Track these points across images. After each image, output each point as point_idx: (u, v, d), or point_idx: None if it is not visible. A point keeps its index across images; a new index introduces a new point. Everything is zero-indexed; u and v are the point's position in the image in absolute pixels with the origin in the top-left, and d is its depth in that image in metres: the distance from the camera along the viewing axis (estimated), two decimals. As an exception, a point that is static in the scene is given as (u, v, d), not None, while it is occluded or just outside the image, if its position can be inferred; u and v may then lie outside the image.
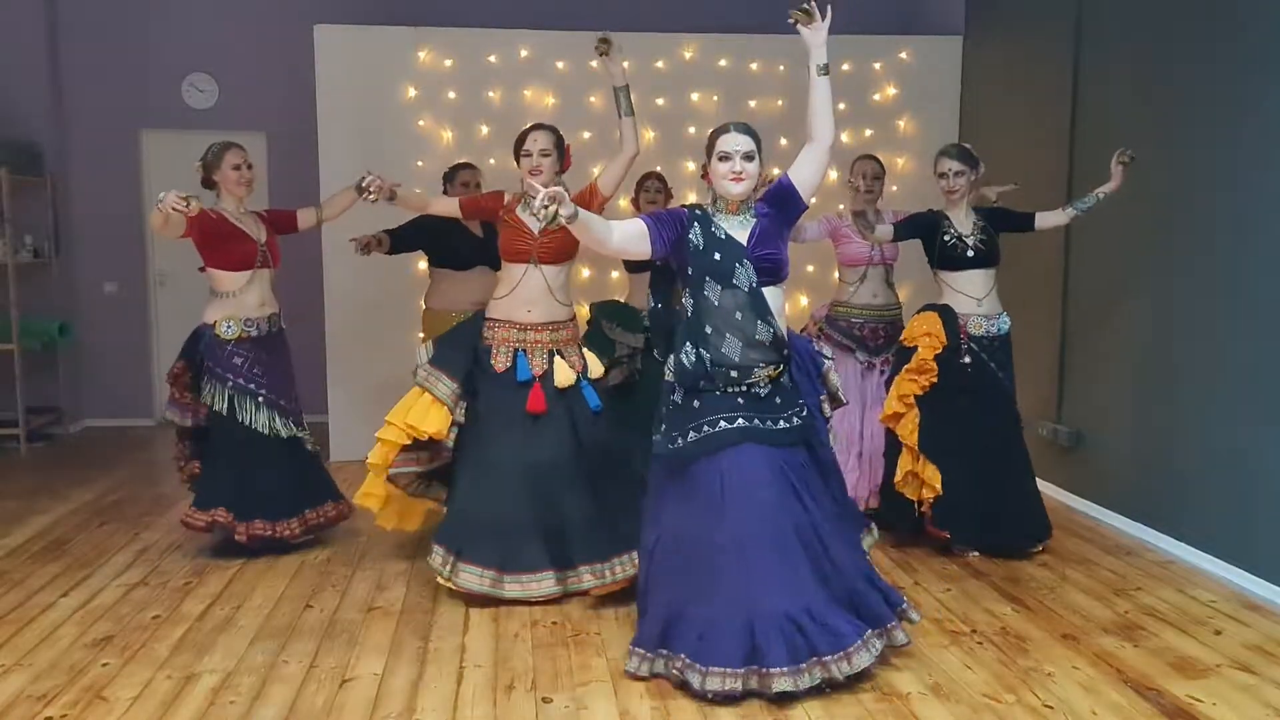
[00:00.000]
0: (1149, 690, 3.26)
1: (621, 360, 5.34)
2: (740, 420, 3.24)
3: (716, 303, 3.27)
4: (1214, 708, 3.14)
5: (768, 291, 3.30)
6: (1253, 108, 4.19)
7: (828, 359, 3.53)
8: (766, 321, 3.27)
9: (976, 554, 4.52)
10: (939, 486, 4.39)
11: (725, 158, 3.33)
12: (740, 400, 3.26)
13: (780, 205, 3.39)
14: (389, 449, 4.06)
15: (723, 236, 3.31)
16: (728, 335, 3.25)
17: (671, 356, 3.38)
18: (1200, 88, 4.49)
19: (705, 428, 3.25)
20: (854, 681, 3.23)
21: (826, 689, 3.15)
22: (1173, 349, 4.65)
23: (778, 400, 3.30)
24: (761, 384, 3.28)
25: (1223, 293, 4.35)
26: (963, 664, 3.45)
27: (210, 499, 4.47)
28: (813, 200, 3.49)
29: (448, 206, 4.21)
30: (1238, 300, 4.27)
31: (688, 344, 3.30)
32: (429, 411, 4.01)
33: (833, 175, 6.53)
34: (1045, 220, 4.66)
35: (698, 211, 3.38)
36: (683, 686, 3.19)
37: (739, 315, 3.26)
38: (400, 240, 5.13)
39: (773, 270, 3.31)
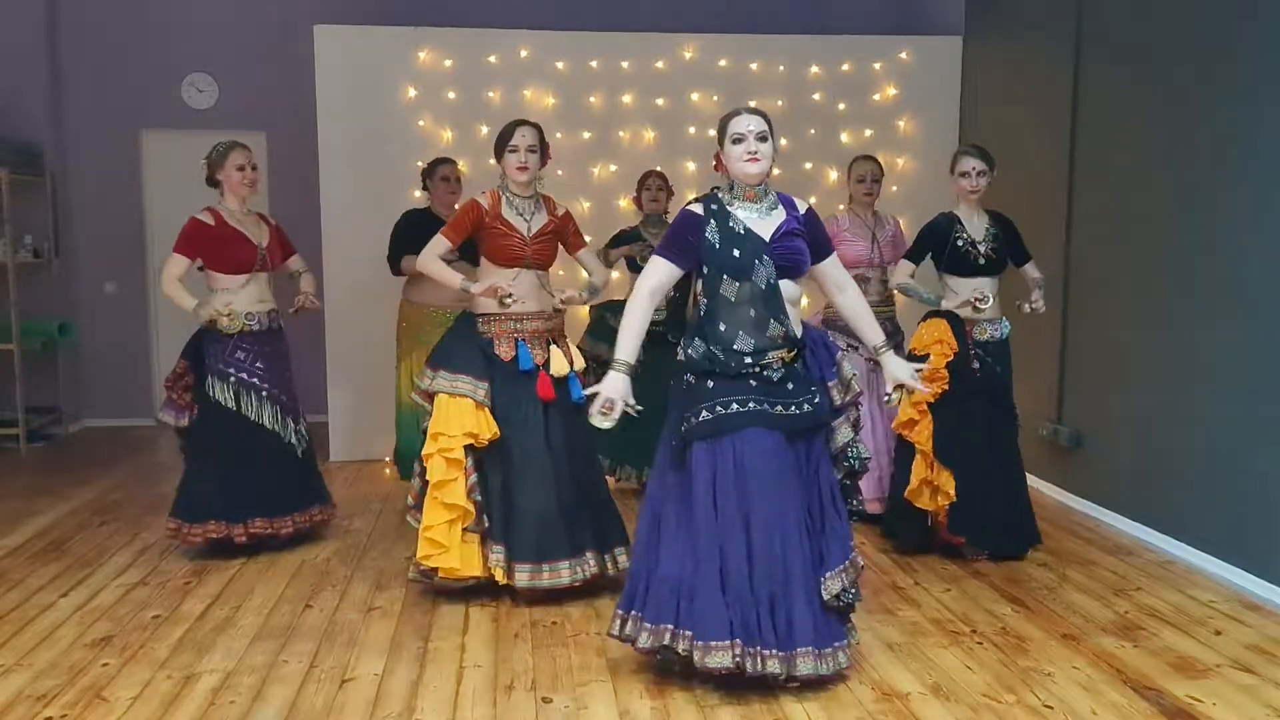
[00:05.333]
0: (1149, 690, 3.26)
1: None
2: (751, 404, 3.23)
3: (733, 299, 3.25)
4: (1214, 708, 3.14)
5: (784, 284, 3.29)
6: (1254, 107, 4.19)
7: (840, 348, 3.53)
8: (779, 320, 3.26)
9: (987, 555, 4.50)
10: (953, 493, 4.38)
11: (739, 140, 3.29)
12: (753, 383, 3.25)
13: (811, 234, 3.38)
14: (447, 461, 3.94)
15: (741, 231, 3.28)
16: (740, 332, 3.24)
17: (683, 341, 3.36)
18: (1201, 87, 4.49)
19: (718, 408, 3.24)
20: (848, 682, 3.26)
21: (791, 683, 3.18)
22: (1173, 349, 4.65)
23: (790, 386, 3.29)
24: (775, 367, 3.27)
25: (1223, 293, 4.35)
26: (963, 664, 3.45)
27: (199, 511, 4.46)
28: (812, 199, 3.49)
29: (441, 248, 4.07)
30: (1238, 300, 4.26)
31: (697, 339, 3.30)
32: (479, 416, 3.95)
33: (832, 176, 6.55)
34: (1031, 270, 4.68)
35: (712, 206, 3.32)
36: (673, 656, 3.23)
37: (753, 312, 3.25)
38: (400, 246, 5.21)
39: (793, 267, 3.30)
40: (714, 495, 3.24)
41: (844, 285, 3.50)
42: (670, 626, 3.21)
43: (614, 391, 3.23)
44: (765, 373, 3.26)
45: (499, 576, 3.93)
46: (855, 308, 3.51)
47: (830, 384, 3.39)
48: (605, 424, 3.26)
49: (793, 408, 3.28)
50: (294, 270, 4.85)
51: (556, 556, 3.96)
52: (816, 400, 3.33)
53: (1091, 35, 5.29)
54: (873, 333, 3.51)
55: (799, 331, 3.34)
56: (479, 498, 3.97)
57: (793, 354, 3.31)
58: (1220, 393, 4.35)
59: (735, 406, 3.23)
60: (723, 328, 3.25)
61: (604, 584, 4.07)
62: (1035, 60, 5.81)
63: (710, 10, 7.22)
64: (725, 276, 3.26)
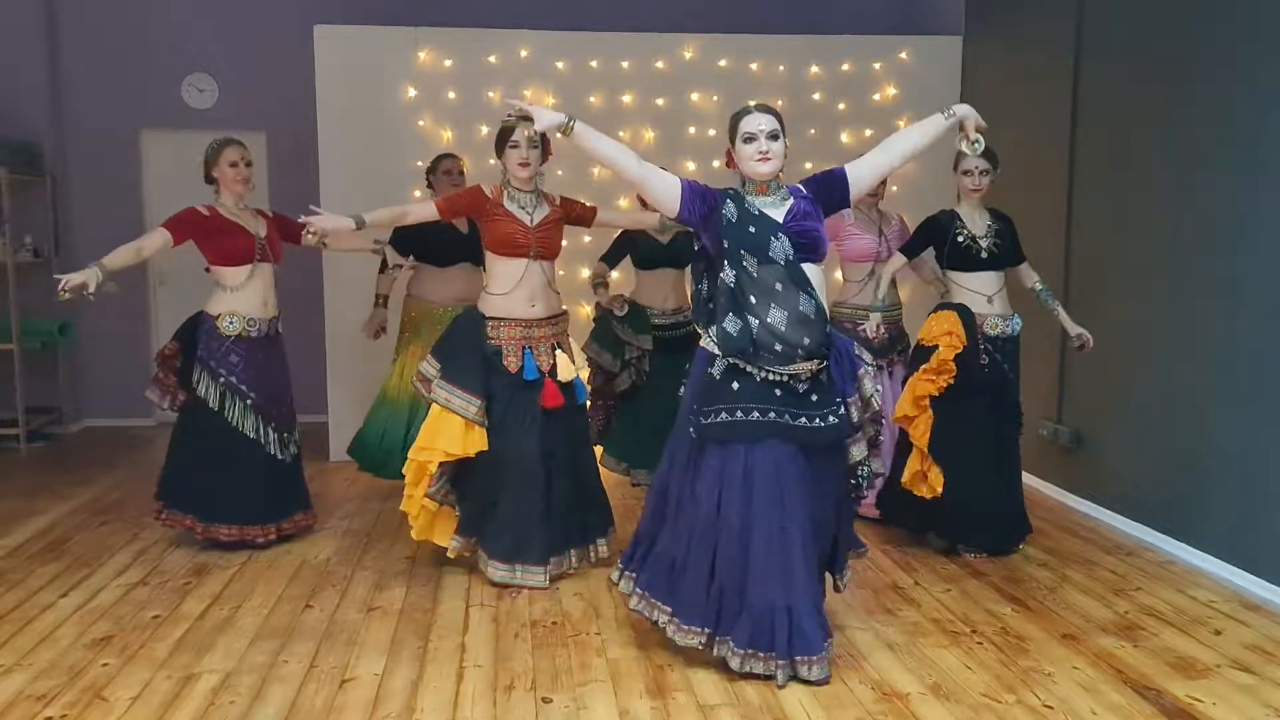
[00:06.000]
0: (1149, 690, 3.26)
1: (630, 363, 5.35)
2: (772, 414, 3.23)
3: (756, 274, 3.24)
4: (1214, 708, 3.15)
5: (806, 267, 3.28)
6: (1254, 107, 4.19)
7: (866, 364, 3.50)
8: (808, 294, 3.24)
9: (984, 554, 4.50)
10: (940, 490, 4.38)
11: (750, 139, 3.31)
12: (778, 393, 3.25)
13: (825, 192, 3.39)
14: (422, 470, 4.09)
15: (756, 213, 3.30)
16: (772, 306, 3.22)
17: (714, 327, 3.31)
18: (1201, 87, 4.49)
19: (739, 413, 3.23)
20: (848, 682, 3.27)
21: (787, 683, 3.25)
22: (1173, 349, 4.65)
23: (814, 398, 3.29)
24: (802, 378, 3.27)
25: (1223, 292, 4.35)
26: (963, 664, 3.45)
27: (179, 501, 4.54)
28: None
29: (424, 211, 4.13)
30: (1238, 300, 4.26)
31: (731, 314, 3.26)
32: (466, 434, 4.00)
33: (833, 175, 6.55)
34: (1027, 273, 4.66)
35: (730, 191, 3.38)
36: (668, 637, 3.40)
37: (779, 287, 3.23)
38: (401, 244, 5.18)
39: (810, 246, 3.29)
40: (718, 497, 3.26)
41: (873, 154, 3.46)
42: (658, 601, 3.39)
43: (549, 117, 3.29)
44: (791, 382, 3.25)
45: (452, 554, 4.15)
46: (899, 140, 3.50)
47: (850, 400, 3.37)
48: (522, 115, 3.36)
49: (816, 420, 3.27)
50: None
51: (533, 560, 4.05)
52: (840, 413, 3.31)
53: (1091, 35, 5.29)
54: (928, 125, 3.46)
55: (828, 310, 3.34)
56: (443, 500, 4.14)
57: (820, 366, 3.29)
58: (1220, 393, 4.35)
59: (756, 415, 3.23)
60: (753, 300, 3.24)
61: (585, 572, 4.23)
62: (1035, 60, 5.81)
63: (710, 10, 7.22)
64: (744, 251, 3.26)
